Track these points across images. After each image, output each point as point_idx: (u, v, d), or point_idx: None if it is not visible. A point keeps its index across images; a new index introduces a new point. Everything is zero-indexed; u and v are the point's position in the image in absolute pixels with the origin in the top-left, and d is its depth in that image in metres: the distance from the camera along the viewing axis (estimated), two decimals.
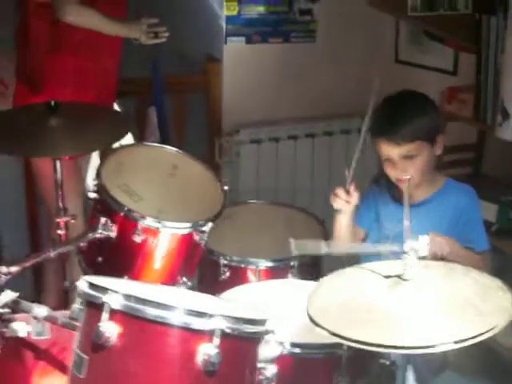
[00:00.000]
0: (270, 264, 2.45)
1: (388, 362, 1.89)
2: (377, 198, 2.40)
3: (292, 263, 2.43)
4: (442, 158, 3.13)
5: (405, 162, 2.20)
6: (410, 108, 2.25)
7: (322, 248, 2.05)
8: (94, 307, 1.41)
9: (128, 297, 1.38)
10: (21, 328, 1.86)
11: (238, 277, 2.43)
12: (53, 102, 2.31)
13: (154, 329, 1.37)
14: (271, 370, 1.75)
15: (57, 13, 2.64)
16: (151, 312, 1.37)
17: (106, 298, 1.39)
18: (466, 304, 1.51)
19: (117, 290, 1.39)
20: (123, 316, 1.38)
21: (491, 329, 1.41)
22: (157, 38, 2.85)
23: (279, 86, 3.66)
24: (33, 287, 3.12)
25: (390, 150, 2.21)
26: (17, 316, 1.87)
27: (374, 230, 2.39)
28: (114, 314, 1.38)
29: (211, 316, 1.38)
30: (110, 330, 1.37)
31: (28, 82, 2.79)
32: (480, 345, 3.06)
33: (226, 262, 2.46)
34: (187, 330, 1.37)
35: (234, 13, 3.47)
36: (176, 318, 1.37)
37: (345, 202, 2.25)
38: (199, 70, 3.65)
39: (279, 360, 1.78)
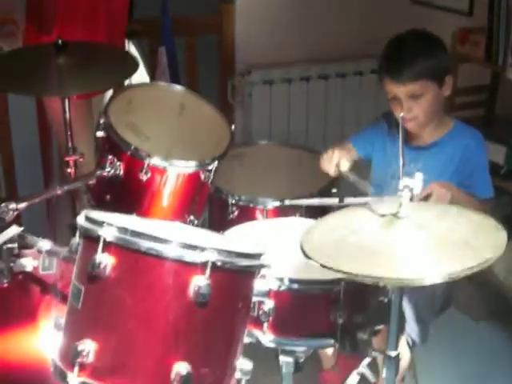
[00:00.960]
0: (277, 204, 2.46)
1: (386, 300, 1.93)
2: (385, 135, 2.39)
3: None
4: (454, 100, 3.12)
5: (410, 101, 2.20)
6: (415, 47, 2.23)
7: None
8: (90, 240, 1.44)
9: (122, 230, 1.41)
10: (28, 263, 1.92)
11: (246, 216, 2.45)
12: (60, 41, 2.29)
13: (148, 261, 1.40)
14: (268, 305, 1.82)
15: None
16: (145, 244, 1.39)
17: (101, 231, 1.41)
18: (458, 240, 1.53)
19: (112, 224, 1.42)
20: (117, 248, 1.41)
21: (482, 262, 1.43)
22: None
23: (292, 27, 3.63)
24: (47, 225, 3.17)
25: (396, 89, 2.21)
26: (25, 252, 1.93)
27: (380, 168, 2.40)
28: (108, 246, 1.41)
29: (203, 249, 1.40)
30: (105, 261, 1.40)
31: (38, 22, 2.77)
32: (483, 286, 3.11)
33: (234, 201, 2.49)
34: (180, 262, 1.40)
35: None
36: (169, 250, 1.39)
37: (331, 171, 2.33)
38: (212, 10, 3.62)
39: (278, 295, 1.83)
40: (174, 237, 1.41)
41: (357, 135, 2.49)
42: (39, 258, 1.95)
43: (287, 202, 2.38)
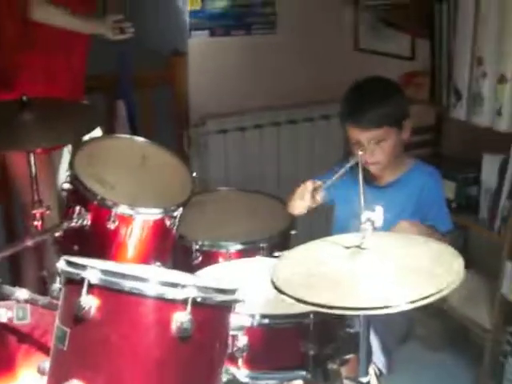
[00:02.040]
0: (239, 247, 2.54)
1: (353, 331, 2.01)
2: (347, 176, 2.47)
3: (261, 245, 2.53)
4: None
5: (373, 145, 2.29)
6: (377, 94, 2.33)
7: None
8: (74, 283, 1.49)
9: (105, 272, 1.47)
10: (2, 314, 1.95)
11: (210, 260, 2.51)
12: (25, 98, 2.35)
13: (130, 300, 1.46)
14: (242, 341, 1.89)
15: (26, 11, 2.70)
16: (127, 284, 1.45)
17: (84, 274, 1.47)
18: (419, 269, 1.62)
19: (94, 266, 1.48)
20: (101, 290, 1.46)
21: (442, 289, 1.51)
22: (123, 33, 2.92)
23: (243, 77, 3.75)
24: (10, 279, 3.17)
25: (359, 135, 2.30)
26: None
27: (343, 207, 2.48)
28: (92, 288, 1.46)
29: (184, 286, 1.47)
30: (90, 303, 1.45)
31: (0, 80, 2.85)
32: (440, 317, 3.22)
33: (197, 247, 2.55)
34: (161, 299, 1.46)
35: (198, 7, 3.56)
36: (150, 288, 1.46)
37: (307, 200, 2.35)
38: (165, 64, 3.72)
39: (250, 331, 1.90)
40: (154, 276, 1.49)
41: (320, 176, 2.58)
42: (13, 308, 1.98)
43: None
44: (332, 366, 1.97)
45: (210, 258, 2.54)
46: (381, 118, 2.27)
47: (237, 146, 3.72)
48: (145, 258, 2.31)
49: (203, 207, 2.87)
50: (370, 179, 2.39)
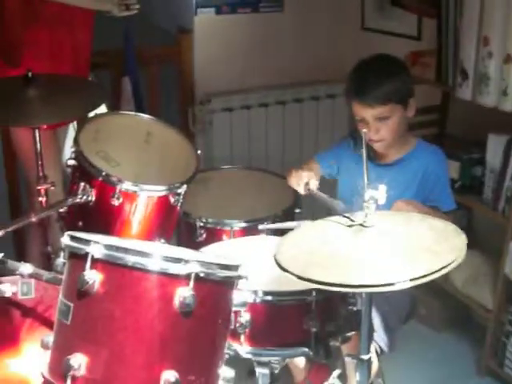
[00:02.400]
0: (243, 225, 2.56)
1: (355, 309, 2.02)
2: (351, 153, 2.49)
3: (265, 223, 2.54)
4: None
5: (377, 123, 2.31)
6: (382, 71, 2.34)
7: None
8: (78, 258, 1.51)
9: (109, 246, 1.48)
10: (7, 289, 1.96)
11: (214, 238, 2.54)
12: (30, 74, 2.36)
13: (134, 275, 1.47)
14: (245, 318, 1.90)
15: None
16: (131, 259, 1.46)
17: (88, 249, 1.48)
18: (421, 246, 1.63)
19: (98, 241, 1.49)
20: (105, 264, 1.48)
21: (444, 266, 1.51)
22: (128, 10, 2.91)
23: (249, 55, 3.76)
24: (15, 255, 3.20)
25: (364, 112, 2.31)
26: (3, 278, 1.97)
27: (347, 184, 2.50)
28: (96, 262, 1.48)
29: (187, 261, 1.48)
30: (93, 277, 1.47)
31: (5, 56, 2.84)
32: (442, 297, 3.24)
33: (201, 224, 2.57)
34: (164, 274, 1.48)
35: None
36: (154, 263, 1.47)
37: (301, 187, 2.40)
38: (171, 41, 3.73)
39: (253, 308, 1.92)
40: (157, 251, 1.49)
41: (323, 153, 2.59)
42: (18, 284, 2.00)
43: (261, 227, 2.47)
44: (334, 343, 1.98)
45: (213, 236, 2.56)
46: (386, 95, 2.27)
47: (242, 124, 3.72)
48: (149, 235, 2.32)
49: (208, 185, 2.89)
50: (374, 157, 2.41)
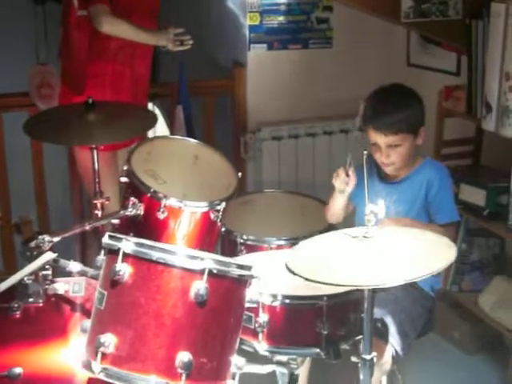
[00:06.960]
0: (281, 242, 2.77)
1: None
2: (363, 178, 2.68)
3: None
4: (440, 151, 3.45)
5: (389, 149, 2.50)
6: (397, 102, 2.53)
7: None
8: (112, 253, 1.79)
9: (138, 243, 1.76)
10: (60, 287, 2.24)
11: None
12: (90, 100, 2.64)
13: (157, 268, 1.73)
14: (263, 318, 2.14)
15: (95, 24, 3.01)
16: (155, 255, 1.73)
17: (120, 245, 1.76)
18: (415, 255, 1.85)
19: (129, 239, 1.76)
20: (134, 258, 1.75)
21: (431, 272, 1.75)
22: (182, 45, 3.20)
23: (298, 88, 4.00)
24: (79, 259, 3.50)
25: (377, 138, 2.52)
26: (57, 278, 2.25)
27: (362, 206, 2.68)
28: (127, 257, 1.75)
29: (203, 259, 1.74)
30: (124, 269, 1.74)
31: (71, 86, 3.17)
32: (476, 321, 3.34)
33: (242, 240, 2.80)
34: (183, 269, 1.73)
35: (257, 22, 3.85)
36: (175, 259, 1.73)
37: (344, 184, 2.55)
38: (226, 74, 4.04)
39: (271, 309, 2.15)
40: (178, 249, 1.76)
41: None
42: (70, 283, 2.27)
43: None
44: (344, 346, 2.18)
45: (252, 251, 2.76)
46: (398, 126, 2.47)
47: (289, 153, 3.97)
48: (190, 248, 2.52)
49: (253, 206, 3.13)
50: (384, 176, 2.62)
